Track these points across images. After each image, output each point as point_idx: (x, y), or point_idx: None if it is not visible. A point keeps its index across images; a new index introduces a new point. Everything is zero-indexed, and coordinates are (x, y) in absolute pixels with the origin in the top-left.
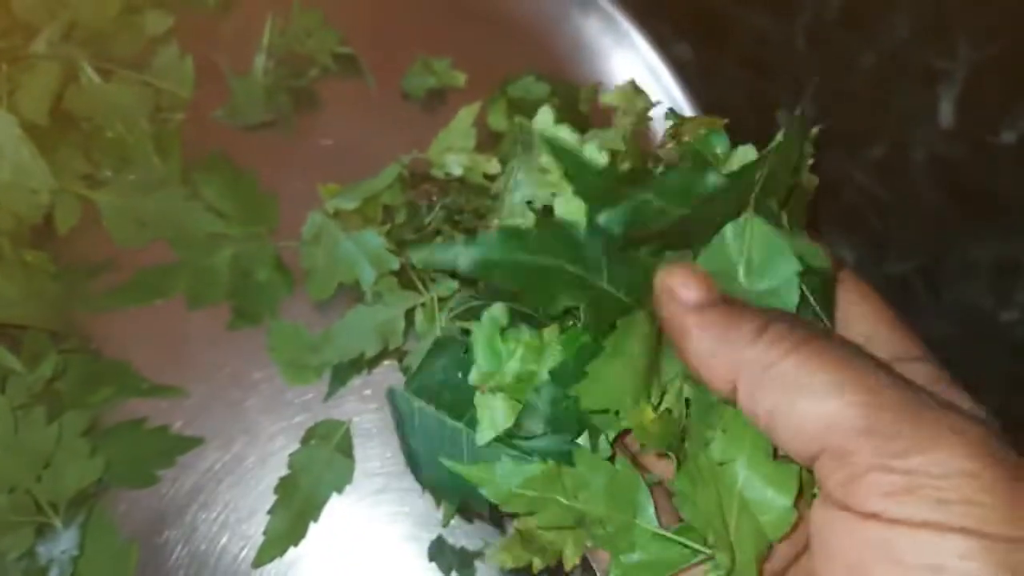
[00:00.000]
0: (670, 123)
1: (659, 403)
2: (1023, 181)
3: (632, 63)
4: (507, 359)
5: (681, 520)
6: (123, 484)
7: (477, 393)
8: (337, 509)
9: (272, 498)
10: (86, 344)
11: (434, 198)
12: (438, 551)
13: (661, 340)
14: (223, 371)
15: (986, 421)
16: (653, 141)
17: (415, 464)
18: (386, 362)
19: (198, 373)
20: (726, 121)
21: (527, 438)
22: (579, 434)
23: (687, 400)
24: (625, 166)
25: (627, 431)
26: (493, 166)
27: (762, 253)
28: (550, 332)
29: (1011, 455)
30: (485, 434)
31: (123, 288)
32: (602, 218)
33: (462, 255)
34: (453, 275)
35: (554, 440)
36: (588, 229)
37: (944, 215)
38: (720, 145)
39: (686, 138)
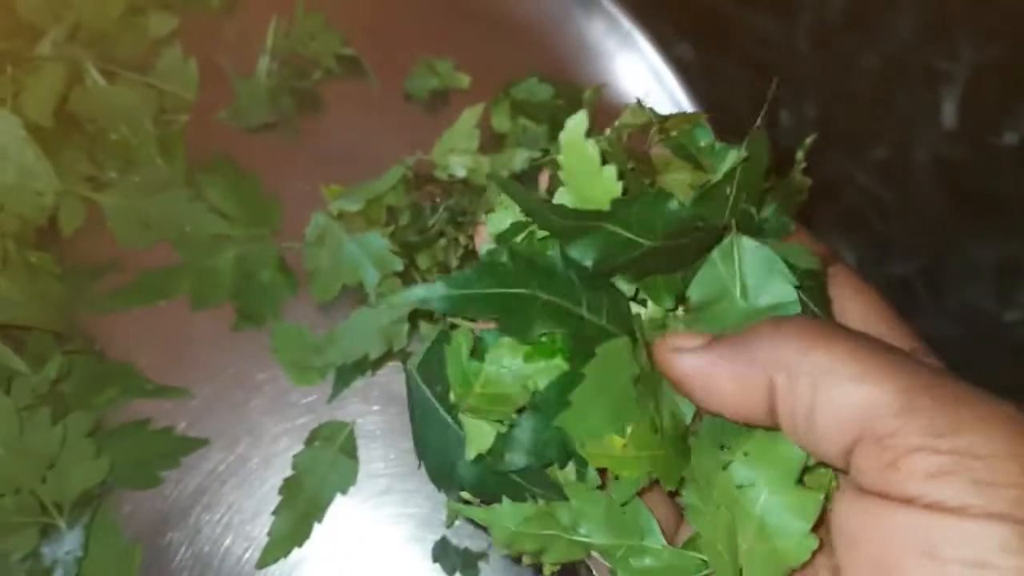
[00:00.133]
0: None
1: (659, 427)
2: None
3: (635, 64)
4: (475, 382)
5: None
6: (127, 485)
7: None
8: (341, 510)
9: (276, 499)
10: (90, 345)
11: (438, 200)
12: (442, 552)
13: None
14: (227, 372)
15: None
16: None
17: (417, 445)
18: (390, 364)
19: (202, 374)
20: (710, 116)
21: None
22: (565, 464)
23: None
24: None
25: None
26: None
27: (755, 272)
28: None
29: None
30: (470, 451)
31: (127, 289)
32: (572, 251)
33: (436, 295)
34: None
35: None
36: (563, 260)
37: (946, 216)
38: (704, 139)
39: (672, 133)
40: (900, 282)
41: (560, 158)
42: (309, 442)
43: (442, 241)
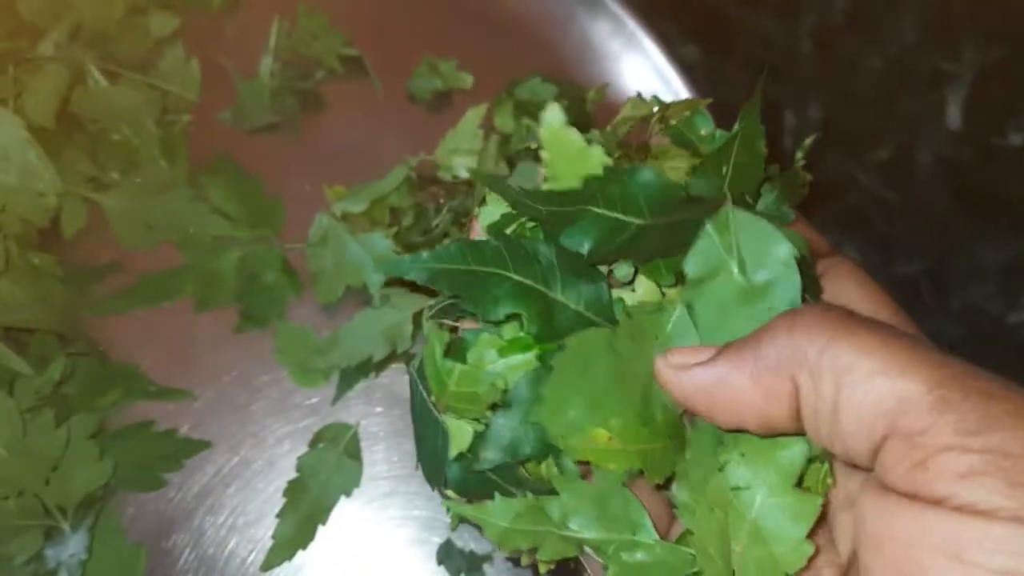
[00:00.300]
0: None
1: (649, 418)
2: None
3: (639, 65)
4: (448, 380)
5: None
6: (131, 488)
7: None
8: (344, 513)
9: (280, 502)
10: (93, 347)
11: (441, 200)
12: (446, 555)
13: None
14: (230, 374)
15: None
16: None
17: (416, 445)
18: (393, 366)
19: (205, 376)
20: (709, 101)
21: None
22: (544, 459)
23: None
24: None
25: None
26: (500, 168)
27: (752, 244)
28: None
29: None
30: (452, 450)
31: (130, 291)
32: (565, 240)
33: (416, 266)
34: None
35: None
36: (544, 241)
37: (950, 217)
38: (704, 126)
39: (672, 121)
40: (904, 283)
41: (543, 153)
42: (313, 444)
43: (446, 242)
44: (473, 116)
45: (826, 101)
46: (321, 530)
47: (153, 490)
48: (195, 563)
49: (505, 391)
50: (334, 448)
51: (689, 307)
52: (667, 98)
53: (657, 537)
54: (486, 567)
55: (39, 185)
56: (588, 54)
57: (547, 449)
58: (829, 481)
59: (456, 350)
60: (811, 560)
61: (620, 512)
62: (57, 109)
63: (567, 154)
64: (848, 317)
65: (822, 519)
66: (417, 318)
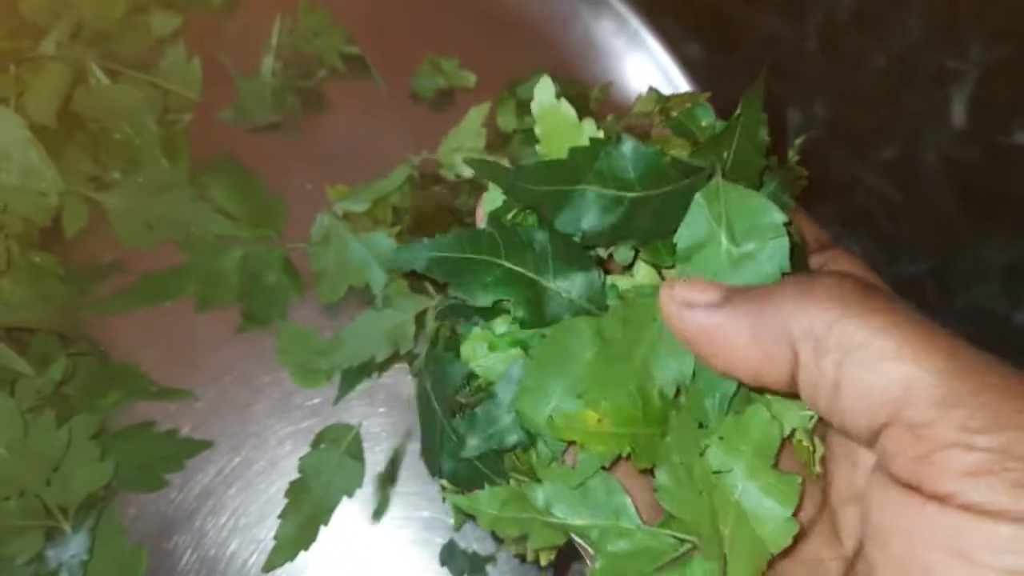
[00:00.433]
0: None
1: (643, 402)
2: None
3: (642, 63)
4: None
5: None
6: (132, 488)
7: None
8: (347, 513)
9: (281, 502)
10: (95, 347)
11: (446, 201)
12: (449, 555)
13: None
14: (231, 374)
15: None
16: None
17: (421, 433)
18: (396, 366)
19: (206, 376)
20: (709, 94)
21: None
22: (529, 447)
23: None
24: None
25: None
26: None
27: (742, 214)
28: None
29: None
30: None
31: (131, 291)
32: (559, 223)
33: (415, 255)
34: None
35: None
36: (538, 227)
37: (955, 216)
38: (705, 117)
39: (674, 113)
40: (909, 282)
41: (537, 128)
42: (315, 444)
43: None
44: (476, 115)
45: (831, 99)
46: (323, 531)
47: (154, 491)
48: (196, 564)
49: (491, 382)
50: (336, 448)
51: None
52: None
53: (639, 522)
54: (489, 568)
55: (40, 184)
56: (591, 52)
57: (532, 438)
58: (818, 453)
59: (452, 345)
60: (816, 552)
61: (603, 498)
62: (58, 108)
63: (560, 129)
64: (864, 292)
65: (826, 511)
66: (419, 319)
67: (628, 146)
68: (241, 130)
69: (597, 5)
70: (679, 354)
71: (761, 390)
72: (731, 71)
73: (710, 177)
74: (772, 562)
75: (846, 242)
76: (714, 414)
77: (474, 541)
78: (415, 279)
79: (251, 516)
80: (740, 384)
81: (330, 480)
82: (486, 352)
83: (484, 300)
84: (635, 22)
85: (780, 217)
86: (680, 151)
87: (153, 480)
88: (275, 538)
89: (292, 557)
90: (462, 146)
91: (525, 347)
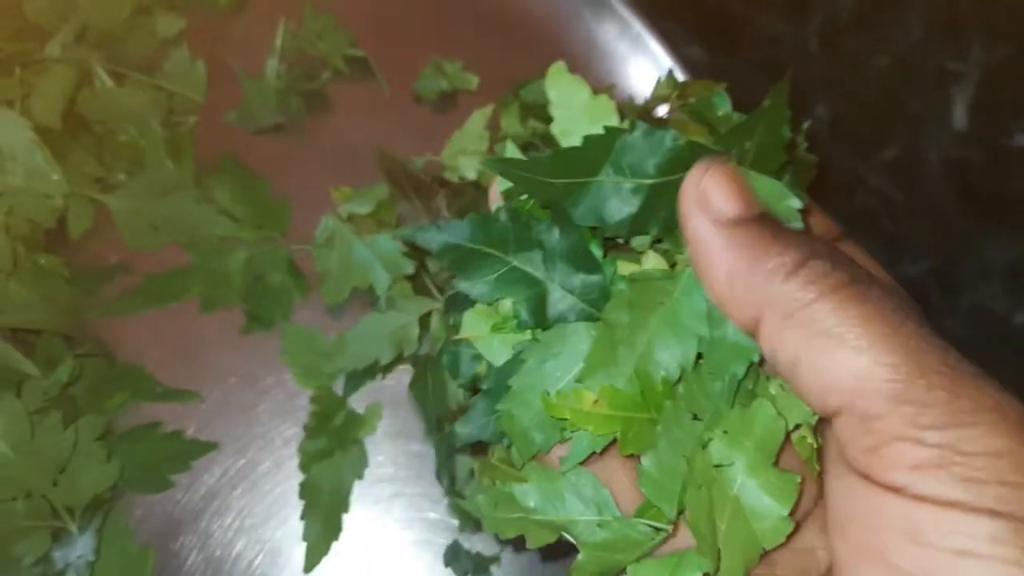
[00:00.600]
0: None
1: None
2: None
3: (644, 65)
4: None
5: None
6: (138, 489)
7: None
8: (351, 514)
9: (286, 503)
10: (101, 348)
11: (448, 201)
12: (453, 556)
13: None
14: (236, 375)
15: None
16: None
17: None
18: (399, 367)
19: (211, 377)
20: (726, 85)
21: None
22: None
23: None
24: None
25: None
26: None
27: (759, 197)
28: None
29: None
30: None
31: (136, 292)
32: (577, 217)
33: (430, 237)
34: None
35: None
36: (551, 224)
37: (957, 217)
38: (722, 106)
39: (691, 99)
40: (911, 283)
41: (551, 109)
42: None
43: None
44: (479, 117)
45: (832, 100)
46: None
47: (160, 491)
48: (202, 564)
49: (490, 368)
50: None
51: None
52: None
53: (617, 513)
54: (493, 569)
55: (46, 186)
56: (594, 55)
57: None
58: (817, 445)
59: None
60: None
61: (584, 493)
62: (63, 110)
63: (575, 106)
64: (849, 281)
65: (821, 503)
66: (423, 320)
67: (645, 132)
68: (245, 132)
69: (600, 8)
70: (684, 340)
71: (765, 387)
72: (733, 72)
73: (723, 159)
74: (764, 552)
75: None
76: (722, 395)
77: (478, 542)
78: (418, 281)
79: (256, 517)
80: (750, 368)
81: (338, 468)
82: (487, 331)
83: (487, 297)
84: (637, 25)
85: (796, 203)
86: (698, 136)
87: (159, 481)
88: (304, 539)
89: (327, 551)
90: (466, 148)
91: (533, 334)
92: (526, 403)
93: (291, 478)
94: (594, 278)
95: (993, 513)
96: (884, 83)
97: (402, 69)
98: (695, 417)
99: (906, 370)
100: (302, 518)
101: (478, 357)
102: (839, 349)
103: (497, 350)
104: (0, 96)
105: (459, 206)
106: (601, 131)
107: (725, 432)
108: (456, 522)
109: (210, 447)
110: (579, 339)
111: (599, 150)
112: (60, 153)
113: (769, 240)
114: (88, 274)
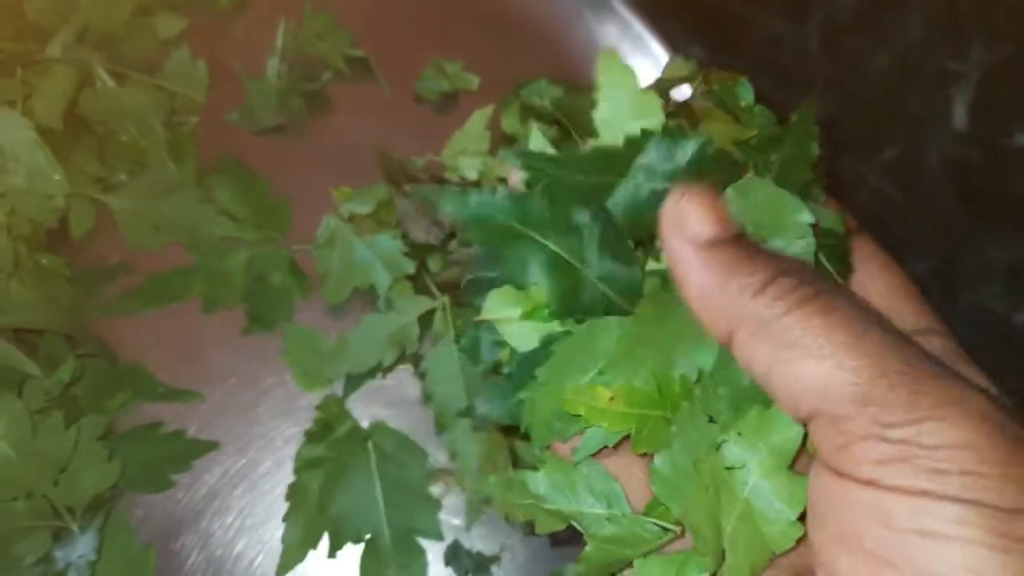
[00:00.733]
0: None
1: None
2: None
3: (646, 65)
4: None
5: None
6: (139, 489)
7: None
8: None
9: (286, 503)
10: (102, 348)
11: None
12: (454, 556)
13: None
14: (237, 375)
15: (993, 394)
16: None
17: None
18: (400, 367)
19: (213, 377)
20: (746, 76)
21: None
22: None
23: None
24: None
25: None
26: (507, 169)
27: (770, 211)
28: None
29: (1013, 427)
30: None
31: (138, 292)
32: (610, 203)
33: (465, 206)
34: None
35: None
36: (589, 211)
37: (957, 216)
38: (745, 96)
39: (715, 87)
40: (912, 283)
41: (597, 97)
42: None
43: (453, 243)
44: (480, 117)
45: (833, 101)
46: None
47: (161, 491)
48: (203, 564)
49: (513, 352)
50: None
51: None
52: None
53: (628, 510)
54: (493, 568)
55: (47, 186)
56: (594, 55)
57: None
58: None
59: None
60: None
61: (595, 486)
62: (65, 111)
63: (622, 98)
64: (815, 295)
65: None
66: (423, 320)
67: (674, 137)
68: (246, 132)
69: (601, 9)
70: (705, 343)
71: None
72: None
73: (742, 171)
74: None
75: None
76: (723, 407)
77: (478, 541)
78: (419, 280)
79: (257, 516)
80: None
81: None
82: (517, 315)
83: (520, 279)
84: (638, 26)
85: (808, 217)
86: (721, 124)
87: (160, 481)
88: (282, 541)
89: (302, 557)
90: (466, 149)
91: (563, 324)
92: (551, 393)
93: (292, 478)
94: (630, 269)
95: (957, 500)
96: (884, 83)
97: (403, 69)
98: (711, 420)
99: (868, 373)
100: (284, 520)
101: (500, 343)
102: (805, 359)
103: (523, 336)
104: (2, 96)
105: None
106: (639, 130)
107: (739, 434)
108: (457, 522)
109: (211, 447)
110: (610, 335)
111: (634, 151)
112: (62, 153)
113: (742, 260)
114: (90, 274)
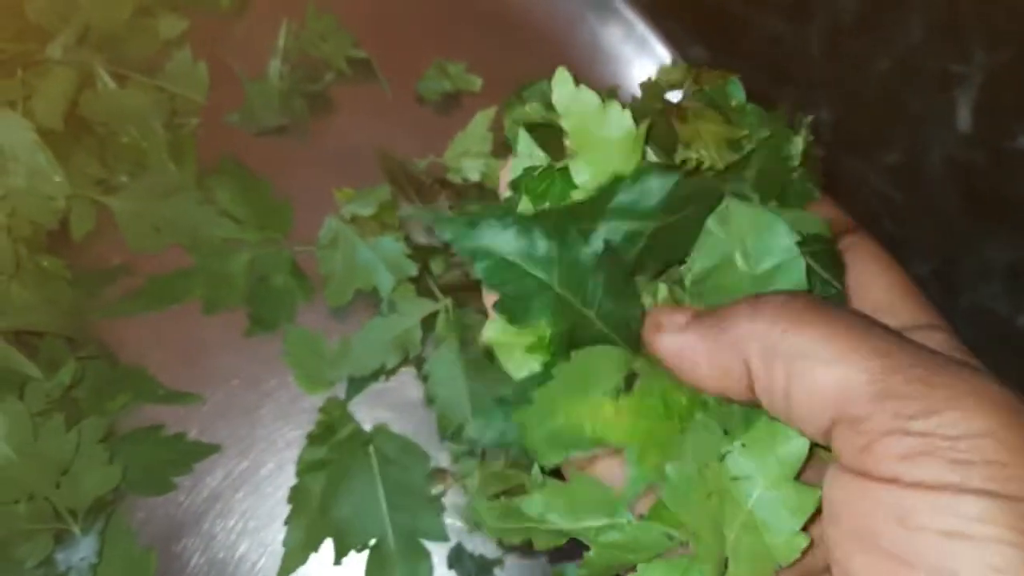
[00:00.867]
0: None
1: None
2: None
3: (647, 66)
4: None
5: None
6: (140, 491)
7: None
8: None
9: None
10: (103, 350)
11: (451, 203)
12: (456, 559)
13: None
14: (238, 377)
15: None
16: None
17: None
18: (403, 370)
19: (214, 379)
20: (738, 74)
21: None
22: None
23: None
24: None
25: None
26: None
27: (754, 233)
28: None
29: None
30: None
31: (139, 293)
32: (604, 232)
33: (468, 241)
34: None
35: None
36: (592, 248)
37: (959, 218)
38: (736, 95)
39: (705, 87)
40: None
41: (563, 122)
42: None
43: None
44: (482, 119)
45: (834, 102)
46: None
47: (163, 493)
48: (205, 567)
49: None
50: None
51: (698, 300)
52: (676, 97)
53: (631, 516)
54: (496, 571)
55: (48, 188)
56: (598, 56)
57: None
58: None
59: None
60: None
61: (594, 500)
62: (65, 112)
63: (586, 117)
64: (807, 307)
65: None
66: (426, 322)
67: (650, 178)
68: (248, 133)
69: (603, 10)
70: None
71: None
72: (734, 73)
73: (719, 199)
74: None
75: None
76: (736, 419)
77: (481, 544)
78: (421, 283)
79: (260, 519)
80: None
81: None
82: (511, 342)
83: (523, 321)
84: (641, 27)
85: (792, 239)
86: (713, 124)
87: (161, 483)
88: (284, 545)
89: (304, 560)
90: (469, 150)
91: (547, 360)
92: (546, 417)
93: (294, 481)
94: (631, 311)
95: (982, 492)
96: (885, 84)
97: (405, 70)
98: (725, 432)
99: (882, 370)
100: (286, 523)
101: None
102: (816, 367)
103: (520, 364)
104: (2, 97)
105: (461, 208)
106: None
107: (744, 445)
108: (460, 524)
109: (212, 449)
110: (610, 362)
111: (603, 200)
112: (62, 154)
113: (721, 311)
114: (90, 276)
